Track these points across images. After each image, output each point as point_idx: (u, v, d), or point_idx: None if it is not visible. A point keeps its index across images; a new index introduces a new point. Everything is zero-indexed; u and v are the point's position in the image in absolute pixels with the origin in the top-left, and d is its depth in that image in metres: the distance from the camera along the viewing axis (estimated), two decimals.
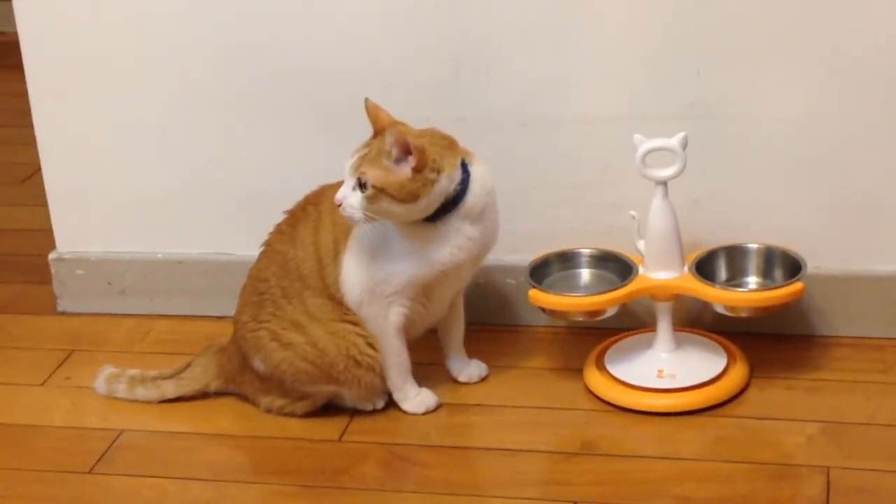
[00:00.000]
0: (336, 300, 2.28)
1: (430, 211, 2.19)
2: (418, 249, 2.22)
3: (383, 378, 2.31)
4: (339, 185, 2.19)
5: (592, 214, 2.46)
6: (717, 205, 2.43)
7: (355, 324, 2.27)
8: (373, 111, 2.21)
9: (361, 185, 2.15)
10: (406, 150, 2.13)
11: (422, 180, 2.14)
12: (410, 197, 2.15)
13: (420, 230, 2.21)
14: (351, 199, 2.16)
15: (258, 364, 2.32)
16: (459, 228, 2.21)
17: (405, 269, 2.23)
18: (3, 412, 2.44)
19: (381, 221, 2.18)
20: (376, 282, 2.24)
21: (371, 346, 2.27)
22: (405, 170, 2.14)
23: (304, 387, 2.31)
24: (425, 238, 2.21)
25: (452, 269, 2.24)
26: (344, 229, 2.26)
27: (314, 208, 2.32)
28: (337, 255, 2.27)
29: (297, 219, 2.34)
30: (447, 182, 2.18)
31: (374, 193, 2.14)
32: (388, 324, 2.27)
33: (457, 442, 2.27)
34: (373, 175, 2.14)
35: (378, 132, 2.20)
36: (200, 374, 2.41)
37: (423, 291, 2.27)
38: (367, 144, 2.19)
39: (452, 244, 2.22)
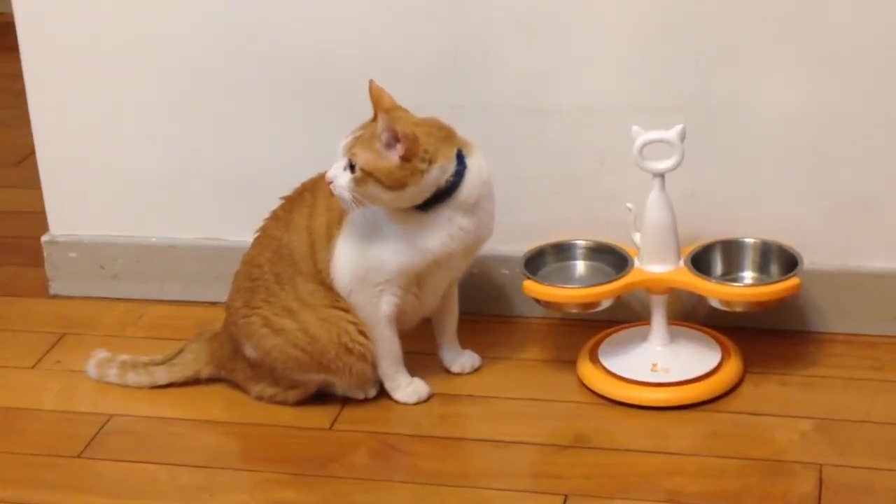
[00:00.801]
0: (327, 286, 2.26)
1: (420, 200, 2.17)
2: (409, 238, 2.21)
3: (375, 367, 2.30)
4: None
5: (590, 205, 2.45)
6: (714, 198, 2.42)
7: (346, 310, 2.26)
8: (375, 93, 2.20)
9: (352, 167, 2.14)
10: (395, 137, 2.12)
11: (410, 169, 2.13)
12: (397, 184, 2.13)
13: (411, 218, 2.20)
14: (340, 179, 2.15)
15: (249, 351, 2.31)
16: (452, 218, 2.20)
17: (396, 256, 2.22)
18: None
19: (372, 207, 2.17)
20: (367, 269, 2.23)
21: (363, 333, 2.26)
22: (394, 156, 2.13)
23: (294, 374, 2.29)
24: (416, 226, 2.20)
25: (444, 259, 2.23)
26: (338, 215, 2.24)
27: (310, 194, 2.31)
28: (330, 240, 2.26)
29: (293, 204, 2.32)
30: (439, 173, 2.16)
31: (362, 176, 2.13)
32: (380, 313, 2.26)
33: (448, 432, 2.26)
34: (363, 158, 2.13)
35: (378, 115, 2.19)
36: (192, 361, 2.40)
37: (416, 281, 2.26)
38: (365, 126, 2.18)
39: (444, 234, 2.20)
